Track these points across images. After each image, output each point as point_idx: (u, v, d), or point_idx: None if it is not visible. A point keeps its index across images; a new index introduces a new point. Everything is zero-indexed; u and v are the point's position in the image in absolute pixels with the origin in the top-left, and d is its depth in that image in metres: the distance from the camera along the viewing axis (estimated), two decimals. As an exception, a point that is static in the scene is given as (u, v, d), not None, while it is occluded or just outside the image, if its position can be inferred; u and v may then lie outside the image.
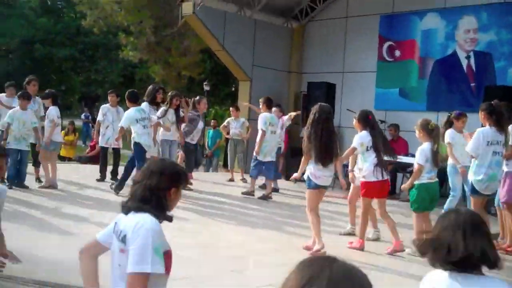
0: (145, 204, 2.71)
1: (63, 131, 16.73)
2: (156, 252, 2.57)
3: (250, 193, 10.50)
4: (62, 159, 16.90)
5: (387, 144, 7.16)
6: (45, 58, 33.84)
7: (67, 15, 38.25)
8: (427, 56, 13.63)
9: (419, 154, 6.55)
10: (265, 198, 10.24)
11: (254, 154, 10.44)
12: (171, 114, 10.44)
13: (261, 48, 15.34)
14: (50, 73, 34.93)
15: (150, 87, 10.48)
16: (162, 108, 10.50)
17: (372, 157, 6.50)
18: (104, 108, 11.19)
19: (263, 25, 15.44)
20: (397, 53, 14.15)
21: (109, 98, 11.33)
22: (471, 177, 7.11)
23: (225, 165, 15.82)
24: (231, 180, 12.89)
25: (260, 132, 10.30)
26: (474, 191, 7.10)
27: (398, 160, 11.01)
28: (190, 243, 6.39)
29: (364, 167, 6.56)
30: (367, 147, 6.53)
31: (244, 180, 12.84)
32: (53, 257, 5.40)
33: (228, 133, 13.31)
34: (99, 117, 11.24)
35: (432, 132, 6.57)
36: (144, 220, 2.65)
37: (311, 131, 6.31)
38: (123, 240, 2.66)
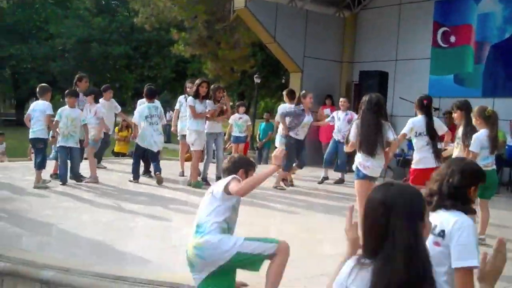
0: (455, 201, 3.02)
1: (116, 127, 17.07)
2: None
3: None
4: (116, 155, 17.20)
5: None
6: (101, 57, 34.58)
7: (121, 14, 38.96)
8: (484, 41, 13.24)
9: (474, 142, 6.40)
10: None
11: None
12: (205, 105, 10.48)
13: (313, 38, 15.22)
14: (105, 71, 35.69)
15: (196, 81, 10.49)
16: (208, 101, 10.49)
17: (422, 143, 6.36)
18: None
19: (314, 15, 15.32)
20: (452, 38, 13.79)
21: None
22: None
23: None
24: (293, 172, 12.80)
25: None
26: None
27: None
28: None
29: (414, 153, 6.43)
30: (417, 132, 6.38)
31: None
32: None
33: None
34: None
35: (489, 119, 6.40)
36: (462, 217, 2.94)
37: (358, 122, 6.31)
38: (440, 234, 2.91)
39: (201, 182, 9.98)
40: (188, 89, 10.93)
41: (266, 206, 8.44)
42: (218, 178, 10.50)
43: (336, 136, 11.61)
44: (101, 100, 10.70)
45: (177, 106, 11.48)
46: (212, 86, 10.61)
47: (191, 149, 10.14)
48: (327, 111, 15.03)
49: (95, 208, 7.66)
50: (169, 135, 25.16)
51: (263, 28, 14.50)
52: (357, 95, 14.35)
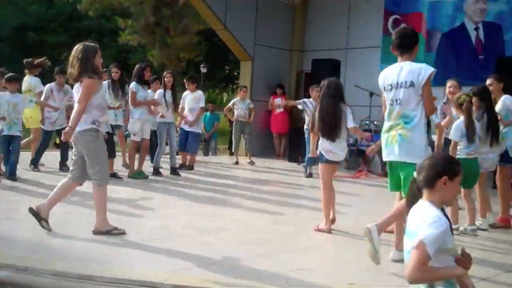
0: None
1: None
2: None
3: None
4: (58, 146, 16.33)
5: None
6: (37, 46, 33.29)
7: (59, 1, 37.59)
8: (434, 29, 13.31)
9: (453, 130, 6.26)
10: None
11: None
12: (168, 95, 10.12)
13: (263, 26, 14.94)
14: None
15: (137, 66, 10.00)
16: (158, 91, 10.21)
17: None
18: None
19: (265, 2, 15.03)
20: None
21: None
22: None
23: (229, 148, 15.51)
24: (237, 163, 12.57)
25: None
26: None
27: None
28: (211, 227, 6.11)
29: None
30: None
31: (251, 162, 12.56)
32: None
33: (232, 115, 12.99)
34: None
35: (461, 107, 6.29)
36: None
37: (316, 107, 6.28)
38: None
39: (140, 173, 9.53)
40: (113, 74, 9.73)
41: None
42: (173, 169, 10.15)
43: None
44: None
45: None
46: (163, 74, 10.29)
47: (131, 138, 9.73)
48: (277, 100, 14.85)
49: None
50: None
51: (213, 14, 14.15)
52: (308, 84, 14.14)
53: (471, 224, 6.34)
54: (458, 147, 6.26)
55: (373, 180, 10.96)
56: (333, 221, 6.23)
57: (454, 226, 6.15)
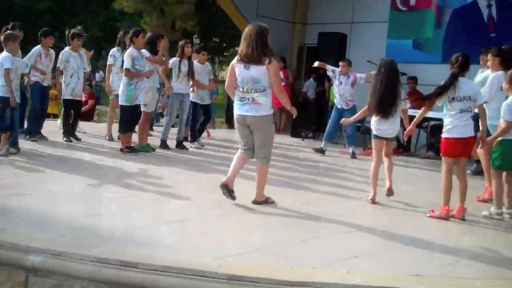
0: None
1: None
2: None
3: None
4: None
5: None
6: (23, 12, 32.23)
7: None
8: (445, 5, 12.95)
9: (507, 110, 5.87)
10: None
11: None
12: (184, 65, 9.64)
13: (266, -3, 14.50)
14: (27, 28, 33.25)
15: (150, 34, 9.52)
16: (174, 58, 9.72)
17: (457, 110, 5.78)
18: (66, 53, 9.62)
19: (269, -29, 14.54)
20: (412, 1, 13.42)
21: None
22: None
23: (227, 122, 15.10)
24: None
25: None
26: None
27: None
28: (242, 207, 5.73)
29: (446, 120, 5.85)
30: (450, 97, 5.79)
31: None
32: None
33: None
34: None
35: None
36: None
37: (376, 86, 6.37)
38: None
39: (146, 146, 9.10)
40: (127, 40, 9.41)
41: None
42: (179, 142, 9.74)
43: (340, 103, 10.50)
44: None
45: (110, 61, 10.00)
46: (180, 42, 9.84)
47: (142, 109, 9.01)
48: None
49: (56, 175, 6.77)
50: (99, 95, 23.90)
51: (216, -17, 13.67)
52: (310, 58, 13.75)
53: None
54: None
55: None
56: (389, 190, 6.40)
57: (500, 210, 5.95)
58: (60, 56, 9.56)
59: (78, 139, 9.71)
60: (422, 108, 6.13)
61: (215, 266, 3.78)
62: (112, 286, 3.74)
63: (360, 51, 13.76)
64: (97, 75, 28.37)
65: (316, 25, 14.80)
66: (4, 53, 7.82)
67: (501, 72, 6.58)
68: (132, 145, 8.79)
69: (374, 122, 6.55)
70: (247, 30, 5.53)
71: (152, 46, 8.98)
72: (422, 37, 13.22)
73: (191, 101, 9.96)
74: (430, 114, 11.07)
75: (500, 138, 5.86)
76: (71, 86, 9.54)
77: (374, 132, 6.59)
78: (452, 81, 5.73)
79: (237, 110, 5.70)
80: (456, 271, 4.17)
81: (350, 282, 3.69)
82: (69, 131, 9.62)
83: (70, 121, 9.76)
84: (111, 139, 10.06)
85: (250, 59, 5.46)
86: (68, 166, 7.41)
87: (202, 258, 3.97)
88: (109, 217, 5.11)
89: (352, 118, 7.41)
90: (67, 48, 9.61)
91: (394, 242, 4.85)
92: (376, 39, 13.66)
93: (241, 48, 5.55)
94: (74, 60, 9.55)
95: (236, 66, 5.60)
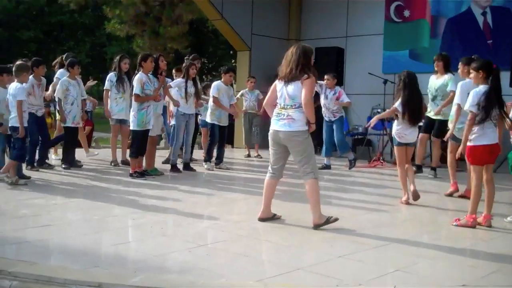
0: None
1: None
2: None
3: None
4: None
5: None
6: (7, 42, 32.10)
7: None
8: (439, 15, 13.01)
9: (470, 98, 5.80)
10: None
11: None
12: (190, 85, 9.53)
13: (260, 16, 14.52)
14: (12, 57, 33.05)
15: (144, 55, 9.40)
16: (179, 79, 9.63)
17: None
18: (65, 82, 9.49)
19: (261, -10, 14.58)
20: (407, 13, 13.47)
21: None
22: None
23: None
24: (248, 156, 12.14)
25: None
26: None
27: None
28: (267, 226, 5.64)
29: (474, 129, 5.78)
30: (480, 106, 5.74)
31: (259, 156, 12.09)
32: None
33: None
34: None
35: None
36: None
37: (404, 96, 6.91)
38: None
39: (154, 170, 9.04)
40: (124, 64, 9.82)
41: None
42: (186, 164, 9.65)
43: (327, 116, 10.50)
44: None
45: (107, 86, 9.91)
46: (185, 63, 9.70)
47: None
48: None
49: (72, 204, 6.65)
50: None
51: (210, 4, 13.64)
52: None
53: None
54: None
55: (389, 169, 10.59)
56: (414, 194, 6.92)
57: None
58: (59, 86, 9.44)
59: (79, 166, 9.60)
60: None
61: (259, 289, 3.69)
62: (156, 315, 3.63)
63: (357, 64, 13.83)
64: (87, 103, 28.20)
65: (310, 41, 14.81)
66: (17, 84, 7.73)
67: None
68: (142, 170, 8.68)
69: (398, 130, 7.04)
70: (289, 50, 5.61)
71: (154, 68, 8.90)
72: (418, 47, 13.26)
73: (208, 122, 9.96)
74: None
75: None
76: (73, 114, 9.45)
77: (398, 140, 7.08)
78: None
79: (272, 126, 5.68)
80: (500, 280, 4.10)
81: (400, 297, 3.61)
82: (70, 158, 9.52)
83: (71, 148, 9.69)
84: (116, 164, 9.96)
85: (288, 78, 5.51)
86: (81, 194, 7.30)
87: (245, 282, 3.87)
88: (137, 244, 5.00)
89: (376, 118, 7.56)
90: (65, 77, 9.51)
91: (428, 253, 4.77)
92: (373, 52, 13.71)
93: (281, 68, 5.63)
94: (73, 88, 9.47)
95: (277, 85, 5.67)
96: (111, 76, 9.88)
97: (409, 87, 6.89)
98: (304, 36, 15.28)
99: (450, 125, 7.45)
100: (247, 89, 12.43)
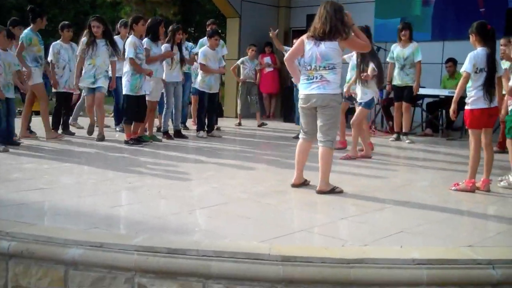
0: None
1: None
2: None
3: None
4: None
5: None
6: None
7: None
8: (432, -18, 12.90)
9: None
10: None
11: None
12: (175, 51, 9.37)
13: (250, -19, 14.31)
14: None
15: (150, 20, 9.07)
16: (165, 45, 9.44)
17: (482, 81, 5.66)
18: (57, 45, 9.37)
19: (251, -46, 14.33)
20: (398, -21, 13.34)
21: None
22: None
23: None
24: (239, 124, 12.03)
25: None
26: None
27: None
28: (265, 190, 5.58)
29: (470, 92, 5.73)
30: (478, 68, 5.68)
31: (263, 124, 11.96)
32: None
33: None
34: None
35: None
36: None
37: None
38: None
39: (153, 136, 9.00)
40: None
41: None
42: (177, 131, 9.53)
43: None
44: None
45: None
46: (171, 27, 9.50)
47: (147, 98, 8.80)
48: (267, 59, 14.28)
49: (66, 168, 6.54)
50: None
51: (200, -31, 13.42)
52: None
53: None
54: None
55: (381, 137, 10.60)
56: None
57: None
58: (51, 49, 9.26)
59: (72, 134, 9.43)
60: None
61: (265, 249, 3.62)
62: (161, 275, 3.55)
63: (348, 32, 13.67)
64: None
65: (301, 8, 14.63)
66: None
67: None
68: (137, 136, 8.54)
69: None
70: (322, 7, 5.34)
71: (153, 34, 8.71)
72: (410, 15, 13.12)
73: (198, 89, 9.78)
74: (426, 91, 11.17)
75: None
76: (64, 78, 9.26)
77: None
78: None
79: (303, 90, 5.41)
80: (507, 241, 4.08)
81: (408, 257, 3.56)
82: (59, 124, 9.36)
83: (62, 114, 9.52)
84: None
85: (323, 36, 5.24)
86: (74, 158, 7.18)
87: (250, 242, 3.80)
88: (136, 206, 4.90)
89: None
90: (58, 41, 9.31)
91: (431, 215, 4.74)
92: (364, 19, 13.41)
93: (315, 25, 5.32)
94: (65, 52, 9.28)
95: (306, 43, 5.35)
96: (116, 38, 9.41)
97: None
98: (295, 3, 15.11)
99: None
100: (247, 57, 12.25)
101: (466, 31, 6.01)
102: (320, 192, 5.39)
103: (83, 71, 8.80)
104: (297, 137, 9.42)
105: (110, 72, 9.06)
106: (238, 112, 12.53)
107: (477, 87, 5.64)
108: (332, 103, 5.31)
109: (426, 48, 11.71)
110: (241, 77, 12.19)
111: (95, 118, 9.12)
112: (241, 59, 12.45)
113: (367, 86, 7.74)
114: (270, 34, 10.15)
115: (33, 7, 9.14)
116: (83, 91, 9.69)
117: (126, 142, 8.38)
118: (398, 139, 10.06)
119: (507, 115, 6.03)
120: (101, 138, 8.75)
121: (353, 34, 5.29)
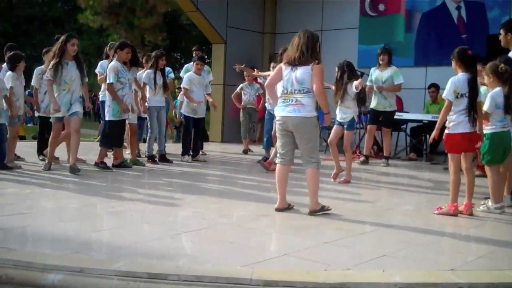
0: None
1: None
2: None
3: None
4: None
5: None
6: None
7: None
8: (414, 9, 13.10)
9: (489, 100, 5.90)
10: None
11: None
12: (158, 77, 9.43)
13: (235, 8, 14.51)
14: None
15: (154, 53, 9.32)
16: (148, 71, 9.48)
17: (463, 106, 5.72)
18: (39, 70, 9.18)
19: (236, -18, 14.49)
20: (381, 7, 13.54)
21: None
22: None
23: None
24: (246, 151, 11.85)
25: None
26: None
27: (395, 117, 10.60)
28: (248, 215, 5.57)
29: (451, 117, 5.78)
30: (459, 94, 5.74)
31: (249, 150, 11.86)
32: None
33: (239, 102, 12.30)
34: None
35: (502, 76, 5.94)
36: None
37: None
38: None
39: (136, 161, 9.01)
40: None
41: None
42: (162, 156, 9.51)
43: (270, 107, 9.91)
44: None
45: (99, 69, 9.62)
46: (154, 53, 9.57)
47: (128, 122, 8.86)
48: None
49: (48, 193, 6.49)
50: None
51: (186, -4, 13.53)
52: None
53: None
54: (490, 120, 5.94)
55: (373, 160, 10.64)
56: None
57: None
58: (34, 73, 9.27)
59: (55, 158, 9.37)
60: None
61: (247, 273, 3.60)
62: (141, 300, 3.52)
63: (332, 58, 13.71)
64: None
65: (286, 34, 14.74)
66: None
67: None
68: (119, 161, 8.51)
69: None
70: (297, 36, 5.52)
71: (133, 59, 8.73)
72: (393, 42, 13.27)
73: (184, 114, 9.78)
74: (409, 115, 11.27)
75: (488, 132, 5.90)
76: (45, 104, 9.24)
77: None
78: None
79: (279, 112, 5.58)
80: (488, 265, 4.08)
81: (391, 281, 3.56)
82: (44, 148, 9.31)
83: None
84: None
85: (297, 62, 5.44)
86: (55, 184, 7.13)
87: (232, 266, 3.78)
88: (119, 231, 4.85)
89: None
90: (42, 66, 9.31)
91: (414, 239, 4.74)
92: (348, 46, 13.70)
93: (289, 53, 5.55)
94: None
95: (284, 69, 5.57)
96: (105, 63, 9.27)
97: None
98: (279, 29, 15.27)
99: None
100: (246, 83, 12.23)
101: (448, 57, 6.09)
102: (312, 211, 5.56)
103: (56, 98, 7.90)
104: (259, 162, 9.29)
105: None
106: (243, 138, 12.26)
107: (457, 112, 5.71)
108: (307, 126, 5.49)
109: (409, 74, 11.86)
110: (242, 103, 12.14)
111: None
112: (241, 85, 12.36)
113: (347, 106, 7.83)
114: (237, 69, 10.51)
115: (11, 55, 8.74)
116: None
117: (97, 165, 8.33)
118: (365, 162, 10.17)
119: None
120: (74, 170, 7.75)
121: (319, 66, 5.43)
